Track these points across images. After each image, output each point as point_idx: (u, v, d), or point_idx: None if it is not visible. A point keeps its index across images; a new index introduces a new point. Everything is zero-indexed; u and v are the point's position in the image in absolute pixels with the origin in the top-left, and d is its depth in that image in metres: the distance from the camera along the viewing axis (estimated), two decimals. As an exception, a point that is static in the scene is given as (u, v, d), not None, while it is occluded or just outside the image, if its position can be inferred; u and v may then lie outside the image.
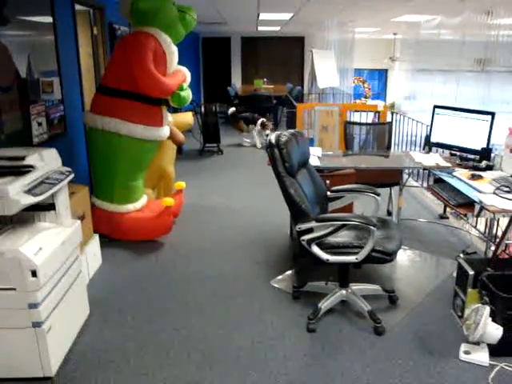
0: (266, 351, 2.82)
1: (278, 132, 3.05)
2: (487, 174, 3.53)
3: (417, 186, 6.08)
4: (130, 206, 4.32)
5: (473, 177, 3.46)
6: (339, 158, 4.43)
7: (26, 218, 2.68)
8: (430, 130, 4.29)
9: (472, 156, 3.94)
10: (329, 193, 3.40)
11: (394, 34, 13.72)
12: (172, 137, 4.57)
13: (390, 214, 5.02)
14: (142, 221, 4.31)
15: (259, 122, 8.89)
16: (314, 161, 3.84)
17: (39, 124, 3.81)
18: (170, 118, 4.59)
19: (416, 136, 6.62)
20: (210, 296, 3.46)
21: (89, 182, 4.53)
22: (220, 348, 2.86)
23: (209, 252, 4.21)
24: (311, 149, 3.81)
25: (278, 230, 4.65)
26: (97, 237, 3.90)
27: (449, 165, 3.86)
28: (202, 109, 8.30)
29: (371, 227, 2.72)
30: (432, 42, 9.28)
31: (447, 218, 5.02)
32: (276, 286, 3.58)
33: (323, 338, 2.94)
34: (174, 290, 3.56)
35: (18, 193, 2.33)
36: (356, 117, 7.65)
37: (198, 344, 2.90)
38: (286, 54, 14.75)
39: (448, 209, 5.02)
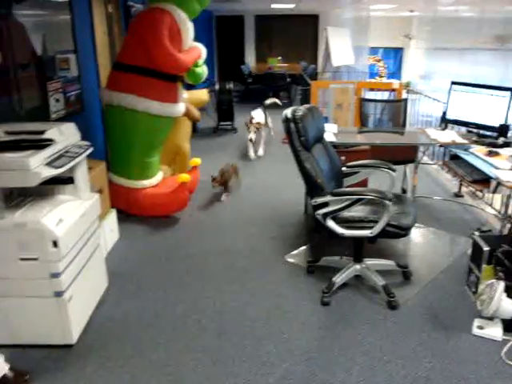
0: (281, 323, 2.87)
1: (294, 107, 3.05)
2: (504, 151, 3.51)
3: (431, 164, 6.06)
4: (146, 182, 4.36)
5: (490, 153, 3.44)
6: (354, 135, 4.42)
7: (46, 190, 2.73)
8: (447, 106, 4.26)
9: (489, 133, 3.91)
10: (344, 168, 3.41)
11: (411, 11, 13.47)
12: (188, 113, 4.59)
13: (404, 192, 5.01)
14: (158, 196, 4.36)
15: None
16: (329, 137, 3.84)
17: (57, 100, 3.85)
18: (185, 94, 4.60)
19: (431, 116, 6.56)
20: (225, 270, 3.52)
21: (105, 158, 4.56)
22: (235, 320, 2.91)
23: (223, 227, 4.26)
24: (326, 125, 3.81)
25: (293, 206, 4.67)
26: (114, 211, 3.95)
27: (465, 141, 3.84)
28: (217, 87, 8.29)
29: (386, 201, 2.74)
30: (449, 19, 9.12)
31: (462, 196, 5.00)
32: (291, 260, 3.61)
33: (337, 311, 2.98)
34: (189, 263, 3.61)
35: (38, 165, 2.37)
36: (371, 96, 7.57)
37: (213, 316, 2.95)
38: (300, 33, 14.58)
39: (463, 188, 5.01)
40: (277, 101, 7.78)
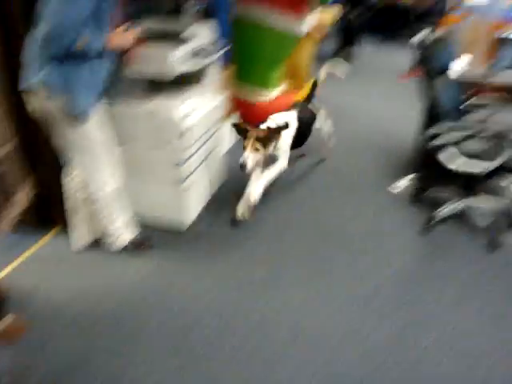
0: (378, 243, 2.98)
1: (425, 32, 2.98)
2: None
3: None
4: (264, 95, 4.48)
5: None
6: (484, 72, 4.20)
7: (178, 86, 2.92)
8: None
9: None
10: (466, 104, 3.30)
11: None
12: (315, 31, 4.58)
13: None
14: (272, 111, 4.46)
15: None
16: (457, 71, 3.69)
17: (190, 7, 3.99)
18: (313, 14, 4.56)
19: None
20: (329, 188, 3.66)
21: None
22: (335, 233, 3.07)
23: (333, 148, 4.32)
24: (455, 60, 3.66)
25: (403, 140, 4.58)
26: (234, 117, 4.14)
27: None
28: (342, 13, 8.08)
29: (507, 139, 2.66)
30: None
31: None
32: (395, 190, 3.64)
33: (435, 242, 3.02)
34: (295, 178, 3.78)
35: (177, 60, 2.56)
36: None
37: (314, 226, 3.13)
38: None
39: None
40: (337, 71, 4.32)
